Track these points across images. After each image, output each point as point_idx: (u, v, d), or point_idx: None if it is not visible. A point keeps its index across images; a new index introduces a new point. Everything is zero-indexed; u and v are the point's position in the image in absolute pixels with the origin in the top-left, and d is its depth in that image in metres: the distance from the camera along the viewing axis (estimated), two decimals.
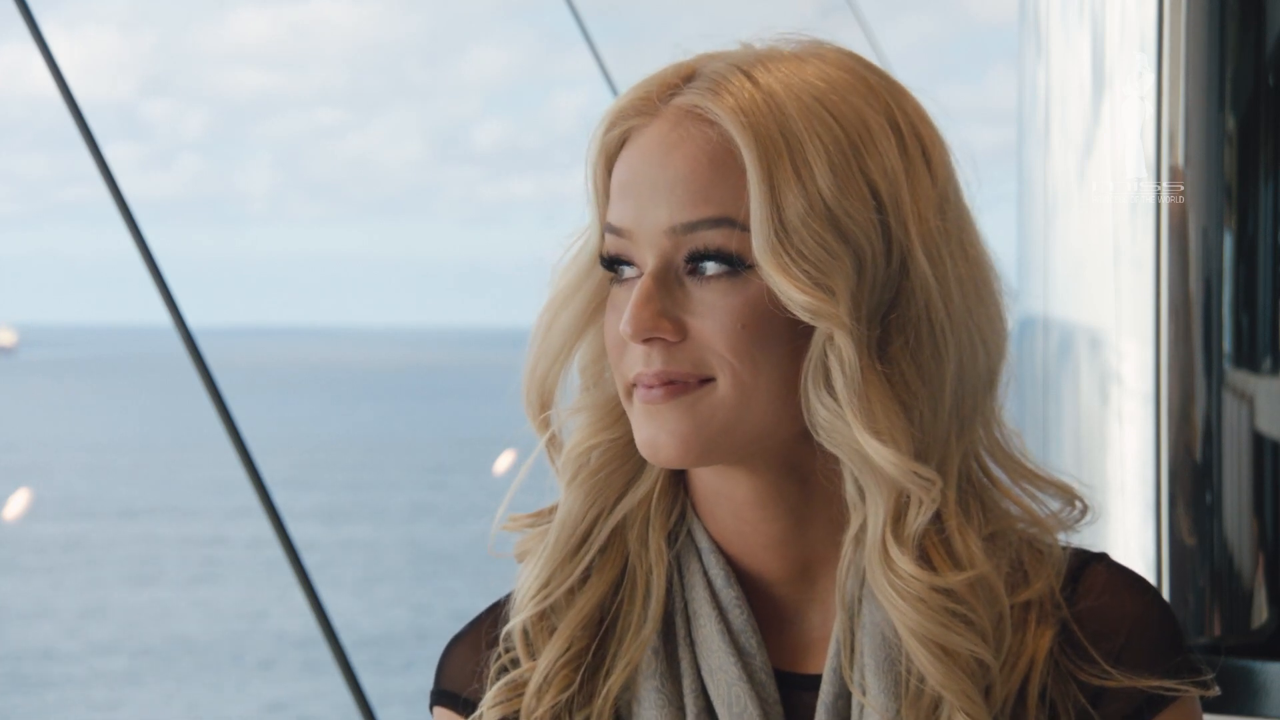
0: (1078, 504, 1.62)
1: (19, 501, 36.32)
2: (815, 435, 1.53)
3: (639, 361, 1.53)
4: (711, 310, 1.52)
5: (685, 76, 1.56)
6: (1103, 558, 1.63)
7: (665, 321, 1.52)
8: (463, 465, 42.02)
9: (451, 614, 24.93)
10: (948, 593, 1.52)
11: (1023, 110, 3.16)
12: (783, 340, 1.52)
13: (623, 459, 1.61)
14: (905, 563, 1.51)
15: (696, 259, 1.52)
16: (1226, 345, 2.69)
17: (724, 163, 1.52)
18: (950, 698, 1.52)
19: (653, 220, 1.53)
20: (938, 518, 1.53)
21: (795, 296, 1.49)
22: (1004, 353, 1.59)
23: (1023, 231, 3.14)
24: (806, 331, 1.52)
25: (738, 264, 1.51)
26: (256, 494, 4.07)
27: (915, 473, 1.51)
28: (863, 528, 1.54)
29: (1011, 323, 1.61)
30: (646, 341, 1.52)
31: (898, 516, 1.52)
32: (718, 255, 1.51)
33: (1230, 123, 2.70)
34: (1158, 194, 2.72)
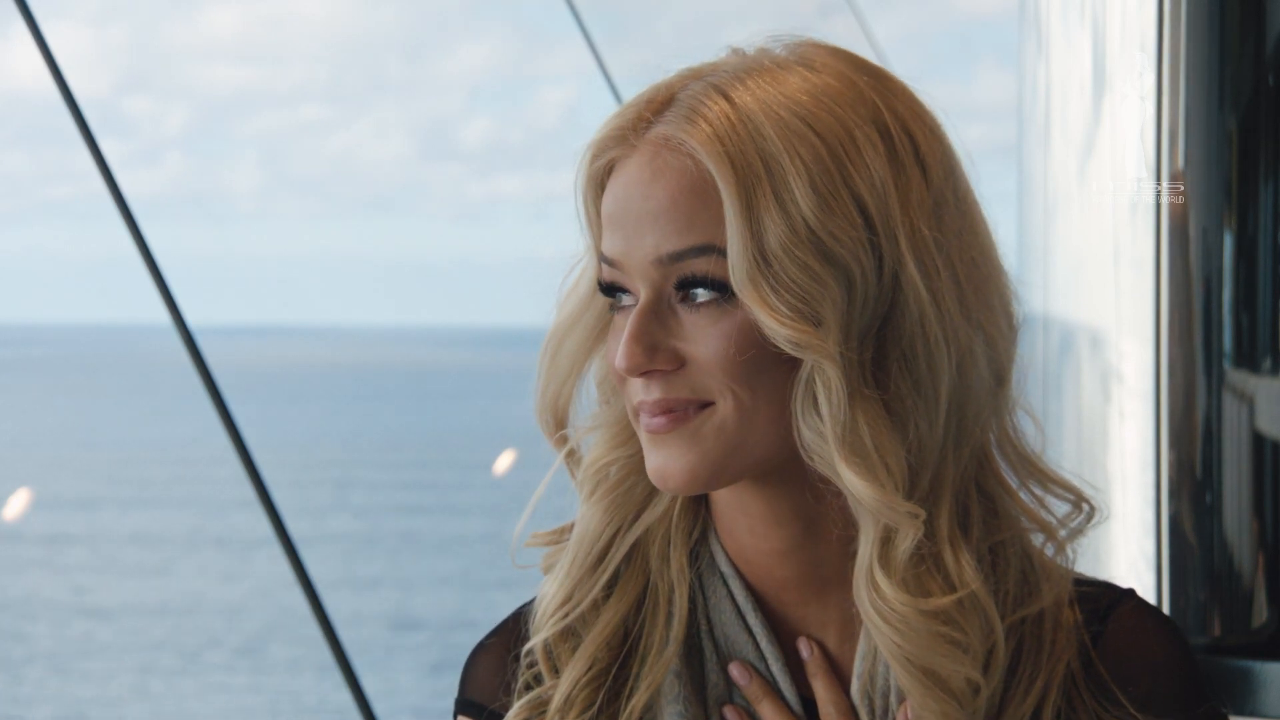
0: (1085, 507, 1.61)
1: (19, 501, 36.30)
2: (806, 459, 1.51)
3: (639, 390, 1.53)
4: (705, 337, 1.50)
5: (663, 103, 1.53)
6: (1131, 595, 1.61)
7: (659, 354, 1.51)
8: (459, 465, 41.99)
9: (450, 610, 24.92)
10: (935, 615, 1.50)
11: (1023, 109, 3.16)
12: (779, 361, 1.50)
13: (640, 473, 1.60)
14: (889, 587, 1.50)
15: (686, 286, 1.51)
16: (1226, 345, 2.69)
17: (704, 191, 1.50)
18: (929, 717, 1.52)
19: (640, 251, 1.51)
20: (930, 536, 1.52)
21: (778, 330, 1.47)
22: (1013, 349, 1.57)
23: (1023, 230, 3.15)
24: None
25: (727, 290, 1.50)
26: (256, 492, 4.06)
27: (893, 508, 1.49)
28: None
29: (1021, 315, 1.59)
30: (644, 374, 1.52)
31: (885, 540, 1.51)
32: (705, 282, 1.50)
33: (1230, 123, 2.69)
34: (1158, 194, 2.72)
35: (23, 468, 41.02)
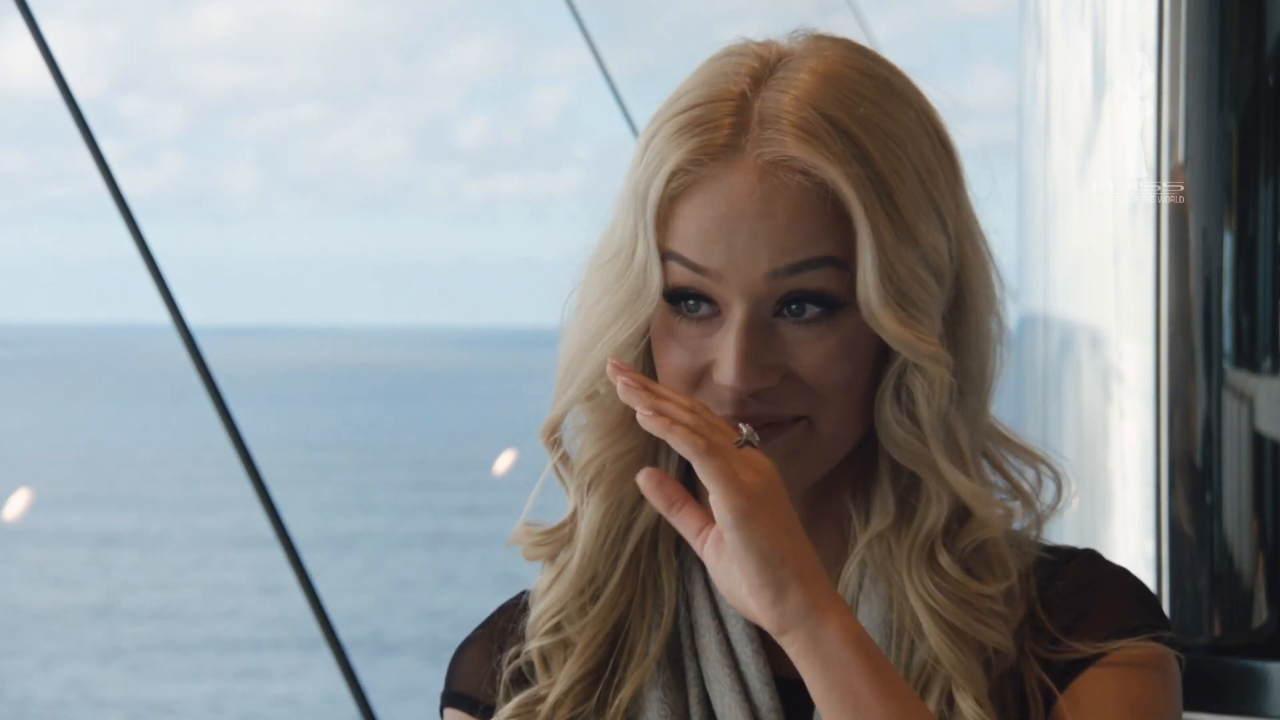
0: (1043, 468, 1.62)
1: (19, 501, 36.35)
2: (889, 450, 1.55)
3: (728, 405, 1.53)
4: (810, 351, 1.52)
5: (742, 115, 1.53)
6: (1088, 551, 1.64)
7: (770, 372, 1.52)
8: (458, 465, 42.03)
9: (451, 610, 24.95)
10: (988, 596, 1.55)
11: (1023, 109, 3.16)
12: (870, 368, 1.54)
13: (635, 471, 1.60)
14: (952, 568, 1.54)
15: (794, 300, 1.52)
16: (1226, 345, 2.69)
17: (821, 208, 1.51)
18: (958, 678, 1.54)
19: (750, 264, 1.52)
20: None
21: (915, 346, 1.51)
22: (1001, 335, 1.61)
23: (1023, 230, 3.15)
24: (886, 353, 1.54)
25: (834, 305, 1.52)
26: (256, 493, 4.06)
27: (986, 502, 1.55)
28: (892, 528, 1.56)
29: (1010, 318, 1.62)
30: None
31: (960, 520, 1.55)
32: (819, 297, 1.51)
33: (1230, 123, 2.70)
34: (1158, 194, 2.72)
35: (22, 468, 41.03)
